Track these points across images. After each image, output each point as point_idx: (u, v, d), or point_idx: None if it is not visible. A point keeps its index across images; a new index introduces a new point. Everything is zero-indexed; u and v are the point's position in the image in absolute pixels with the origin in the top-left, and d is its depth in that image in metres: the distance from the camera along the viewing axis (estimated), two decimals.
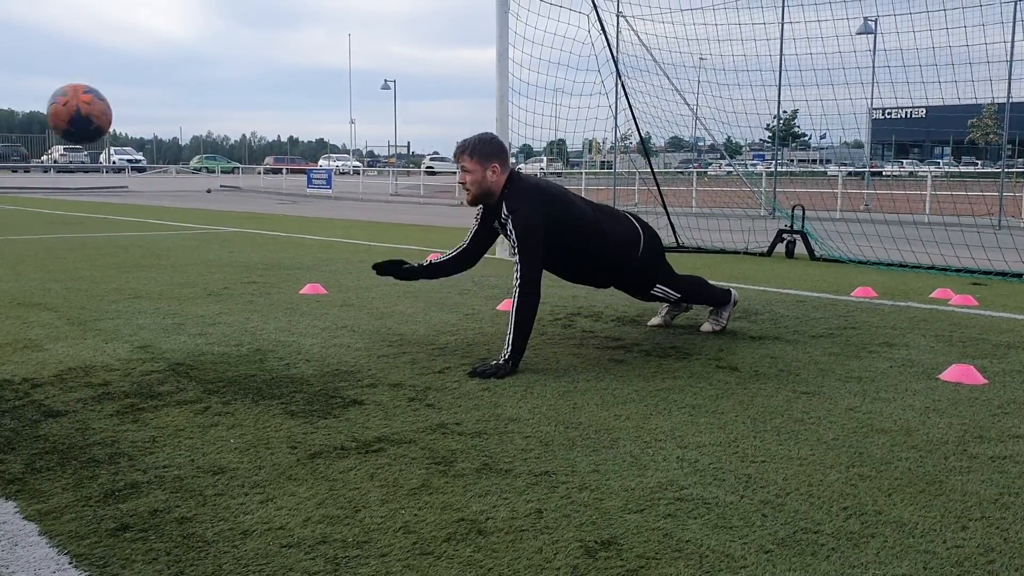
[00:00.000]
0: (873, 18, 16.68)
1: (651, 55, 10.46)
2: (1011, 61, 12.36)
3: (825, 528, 2.27)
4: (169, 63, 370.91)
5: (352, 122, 75.46)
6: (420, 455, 2.81)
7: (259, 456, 2.79)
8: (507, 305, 4.64)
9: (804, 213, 9.57)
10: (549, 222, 4.11)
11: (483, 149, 4.10)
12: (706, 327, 4.91)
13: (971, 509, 2.40)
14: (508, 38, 8.25)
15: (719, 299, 4.94)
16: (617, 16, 11.11)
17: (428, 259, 4.54)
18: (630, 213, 4.86)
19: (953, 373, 3.88)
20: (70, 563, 2.04)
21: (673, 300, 4.83)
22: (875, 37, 16.05)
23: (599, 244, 4.37)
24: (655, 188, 10.94)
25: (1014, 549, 2.16)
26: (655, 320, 5.11)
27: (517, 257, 4.05)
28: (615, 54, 10.19)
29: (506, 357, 3.93)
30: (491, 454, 2.82)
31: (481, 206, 4.29)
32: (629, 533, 2.22)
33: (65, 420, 3.15)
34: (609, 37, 10.06)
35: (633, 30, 10.63)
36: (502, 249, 8.26)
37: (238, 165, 60.94)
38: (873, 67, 12.69)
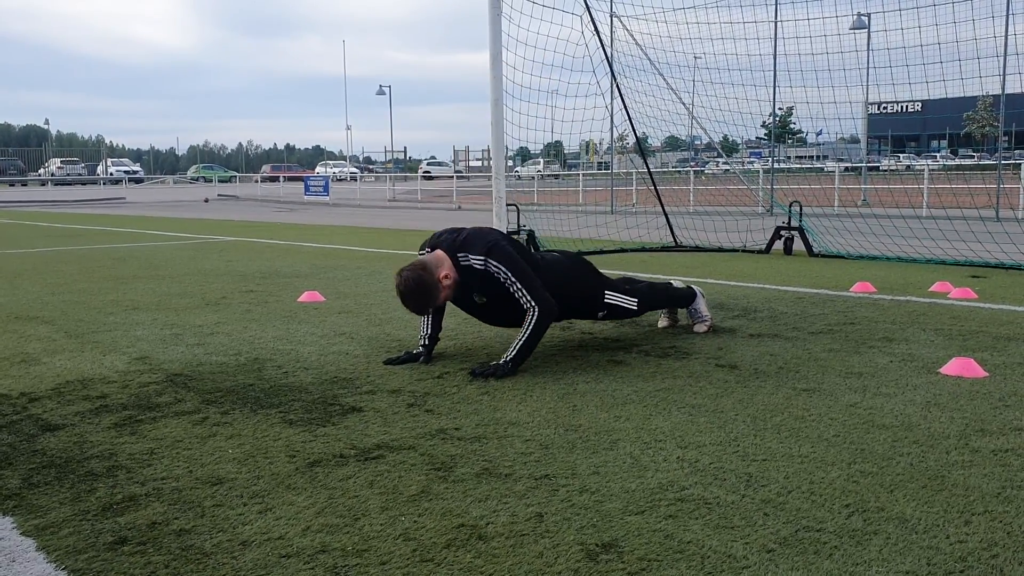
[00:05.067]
0: (866, 13, 16.70)
1: (646, 55, 10.46)
2: (1005, 54, 12.36)
3: (827, 526, 2.25)
4: (165, 74, 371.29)
5: (348, 128, 75.68)
6: (419, 461, 2.80)
7: (258, 466, 2.77)
8: None
9: (802, 209, 9.56)
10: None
11: (424, 291, 3.96)
12: (698, 328, 4.88)
13: (974, 504, 2.39)
14: (501, 40, 8.24)
15: (684, 296, 4.89)
16: (611, 16, 11.11)
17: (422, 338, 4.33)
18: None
19: (954, 367, 3.87)
20: None
21: (634, 307, 4.55)
22: (868, 32, 16.07)
23: (543, 271, 4.23)
24: (652, 188, 10.94)
25: (1017, 543, 2.14)
26: (662, 322, 5.08)
27: (516, 286, 3.98)
28: (609, 55, 10.19)
29: (507, 359, 3.93)
30: (491, 459, 2.81)
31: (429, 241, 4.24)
32: (630, 535, 2.21)
33: (63, 434, 3.13)
34: (603, 38, 10.06)
35: (627, 30, 10.63)
36: None
37: (235, 174, 60.94)
38: (868, 62, 12.70)
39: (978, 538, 2.17)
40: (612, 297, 4.49)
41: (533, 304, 3.99)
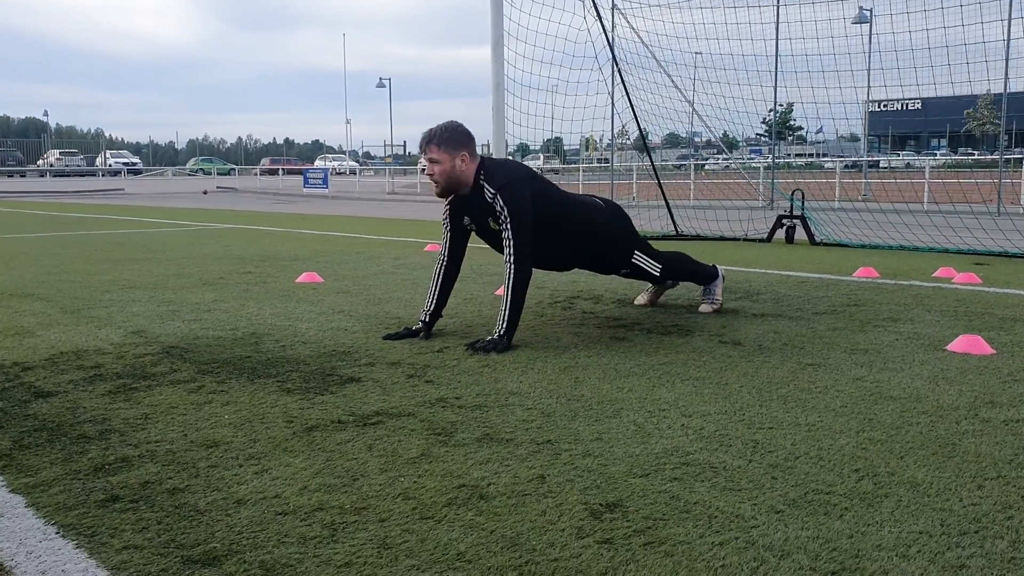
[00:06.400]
0: (868, 8, 16.63)
1: (648, 50, 10.39)
2: (1008, 39, 12.28)
3: (837, 489, 2.20)
4: (165, 68, 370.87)
5: (348, 123, 75.58)
6: (419, 427, 2.74)
7: (254, 430, 2.72)
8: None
9: (804, 198, 9.51)
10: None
11: (451, 137, 3.92)
12: (704, 307, 4.83)
13: (986, 469, 2.34)
14: (503, 26, 8.19)
15: (706, 274, 4.84)
16: (612, 11, 11.04)
17: (426, 308, 4.23)
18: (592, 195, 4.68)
19: (961, 344, 3.82)
20: (57, 533, 1.97)
21: (656, 272, 4.52)
22: (870, 28, 16.01)
23: (572, 220, 4.21)
24: (655, 177, 10.88)
25: None
26: (640, 299, 5.06)
27: (508, 232, 3.93)
28: (612, 46, 10.12)
29: (501, 332, 3.89)
30: (492, 425, 2.76)
31: (448, 205, 4.16)
32: (635, 496, 2.16)
33: (56, 400, 3.08)
34: (606, 30, 9.99)
35: (628, 24, 10.56)
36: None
37: (234, 167, 60.80)
38: (868, 59, 12.63)
39: (992, 501, 2.12)
40: (640, 258, 4.45)
41: (512, 261, 3.91)
